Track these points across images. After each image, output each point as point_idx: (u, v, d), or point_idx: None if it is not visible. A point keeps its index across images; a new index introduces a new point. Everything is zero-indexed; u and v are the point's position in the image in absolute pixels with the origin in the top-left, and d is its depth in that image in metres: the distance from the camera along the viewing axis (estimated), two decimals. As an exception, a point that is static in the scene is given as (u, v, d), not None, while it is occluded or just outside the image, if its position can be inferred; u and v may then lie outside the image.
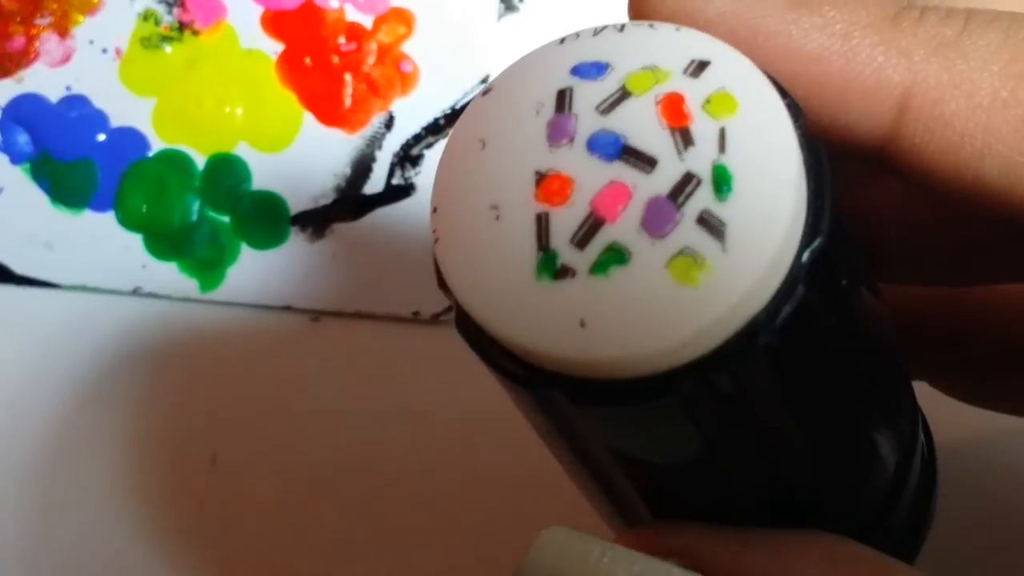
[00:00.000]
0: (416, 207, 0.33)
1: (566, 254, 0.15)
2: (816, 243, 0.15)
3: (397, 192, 0.33)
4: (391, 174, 0.33)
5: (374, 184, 0.33)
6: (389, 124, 0.34)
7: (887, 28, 0.16)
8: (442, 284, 0.16)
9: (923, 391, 0.23)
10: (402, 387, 0.33)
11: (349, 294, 0.33)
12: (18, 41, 0.34)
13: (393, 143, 0.33)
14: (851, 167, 0.18)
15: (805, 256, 0.15)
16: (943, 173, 0.16)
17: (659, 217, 0.14)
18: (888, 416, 0.20)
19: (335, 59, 0.34)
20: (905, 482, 0.20)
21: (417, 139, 0.33)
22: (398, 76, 0.34)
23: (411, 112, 0.33)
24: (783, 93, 0.15)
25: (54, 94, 0.34)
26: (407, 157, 0.33)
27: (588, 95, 0.15)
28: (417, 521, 0.31)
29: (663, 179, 0.15)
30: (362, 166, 0.33)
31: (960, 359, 0.23)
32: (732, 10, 0.16)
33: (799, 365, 0.16)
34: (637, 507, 0.19)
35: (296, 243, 0.33)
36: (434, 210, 0.16)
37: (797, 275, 0.15)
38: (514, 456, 0.24)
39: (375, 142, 0.33)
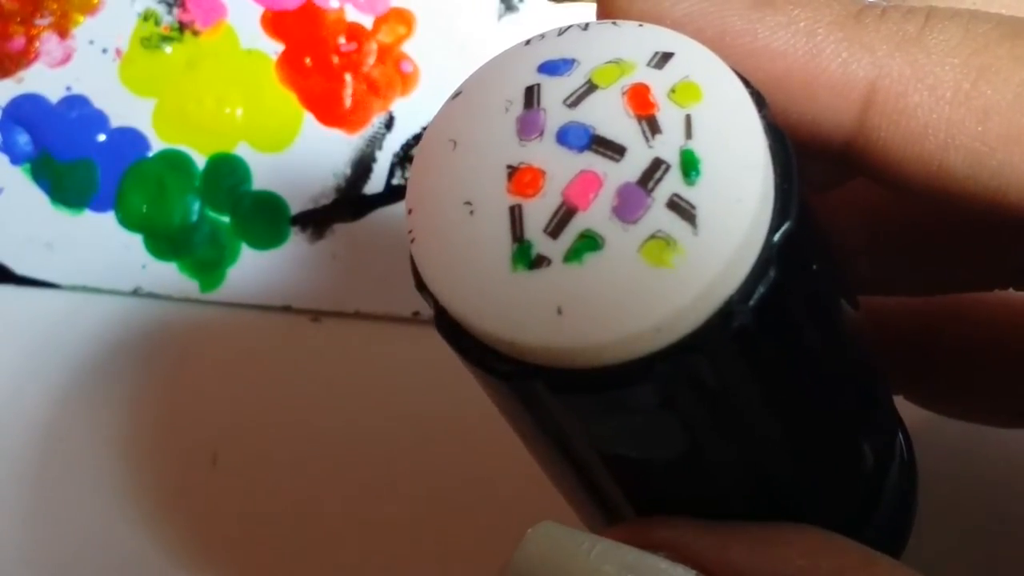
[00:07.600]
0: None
1: (540, 244, 0.15)
2: (786, 226, 0.15)
3: (397, 192, 0.33)
4: (391, 174, 0.33)
5: (374, 184, 0.33)
6: (389, 124, 0.34)
7: (851, 25, 0.17)
8: (419, 285, 0.16)
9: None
10: (402, 387, 0.33)
11: (349, 294, 0.33)
12: (18, 41, 0.34)
13: (393, 143, 0.33)
14: (819, 176, 0.18)
15: (776, 238, 0.15)
16: (908, 166, 0.17)
17: (630, 203, 0.15)
18: (867, 409, 0.20)
19: (335, 59, 0.34)
20: (886, 478, 0.20)
21: (417, 139, 0.33)
22: (398, 76, 0.34)
23: (411, 112, 0.34)
24: (746, 83, 0.16)
25: (54, 94, 0.34)
26: (407, 157, 0.33)
27: (556, 90, 0.16)
28: (417, 520, 0.31)
29: (632, 166, 0.15)
30: (362, 166, 0.33)
31: (933, 369, 0.23)
32: (699, 10, 0.17)
33: (774, 350, 0.16)
34: (620, 505, 0.19)
35: (296, 243, 0.33)
36: (409, 211, 0.16)
37: (768, 257, 0.15)
38: (513, 456, 0.24)
39: (375, 142, 0.33)
